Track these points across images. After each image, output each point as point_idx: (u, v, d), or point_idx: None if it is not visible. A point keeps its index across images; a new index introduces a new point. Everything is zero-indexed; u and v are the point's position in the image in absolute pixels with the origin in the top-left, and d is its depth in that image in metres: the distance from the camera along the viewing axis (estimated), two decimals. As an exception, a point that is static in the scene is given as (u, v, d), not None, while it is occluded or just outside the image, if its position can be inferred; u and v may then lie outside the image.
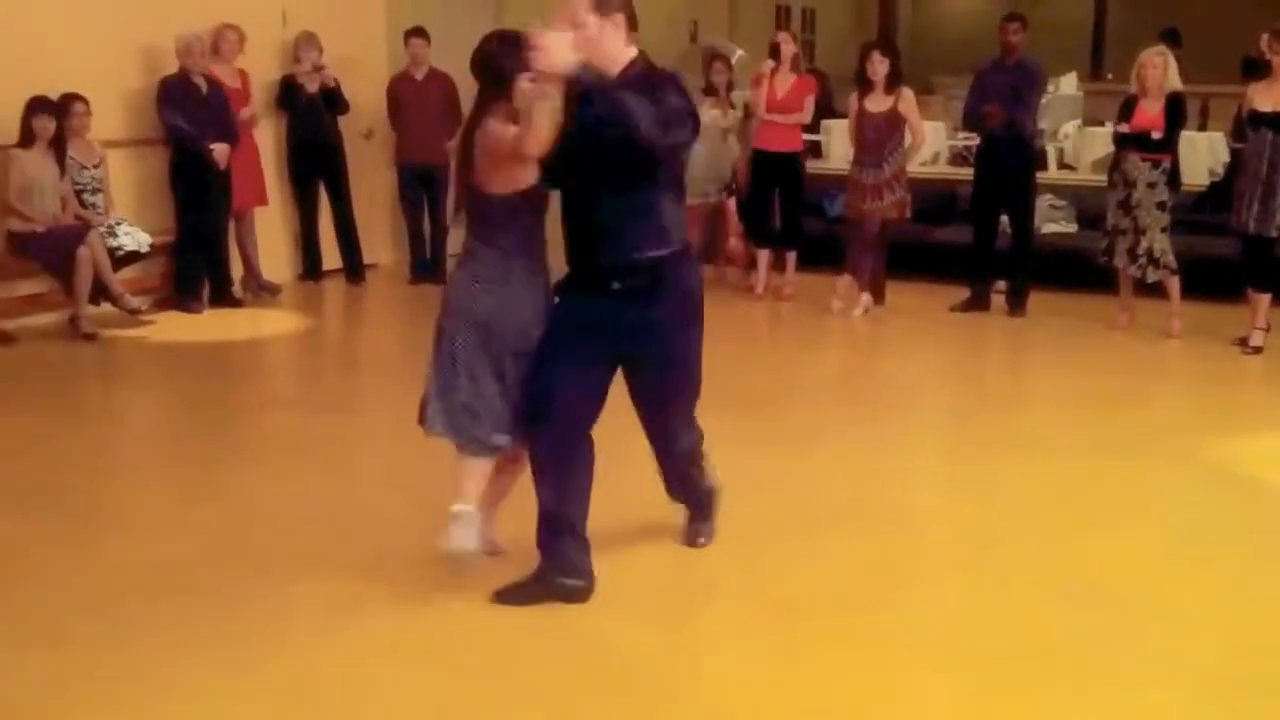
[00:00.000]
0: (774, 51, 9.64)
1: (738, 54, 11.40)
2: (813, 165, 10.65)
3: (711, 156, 10.23)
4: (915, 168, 9.66)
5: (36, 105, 8.10)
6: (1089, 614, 4.26)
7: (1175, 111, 8.41)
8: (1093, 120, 11.60)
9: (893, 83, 8.94)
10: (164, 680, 3.75)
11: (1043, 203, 10.17)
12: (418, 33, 10.22)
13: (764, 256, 9.98)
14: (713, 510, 4.78)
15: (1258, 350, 8.21)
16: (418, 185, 10.33)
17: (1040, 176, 9.65)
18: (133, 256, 8.55)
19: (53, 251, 8.16)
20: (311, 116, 9.95)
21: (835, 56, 17.27)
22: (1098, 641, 4.06)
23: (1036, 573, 4.63)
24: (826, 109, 11.85)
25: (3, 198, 8.14)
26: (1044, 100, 9.83)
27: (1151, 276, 8.59)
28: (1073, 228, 10.69)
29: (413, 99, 10.17)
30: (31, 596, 4.37)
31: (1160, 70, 8.44)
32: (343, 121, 10.18)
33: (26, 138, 8.11)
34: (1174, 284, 8.58)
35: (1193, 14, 19.11)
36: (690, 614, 4.29)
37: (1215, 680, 3.87)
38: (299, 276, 10.44)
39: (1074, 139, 11.20)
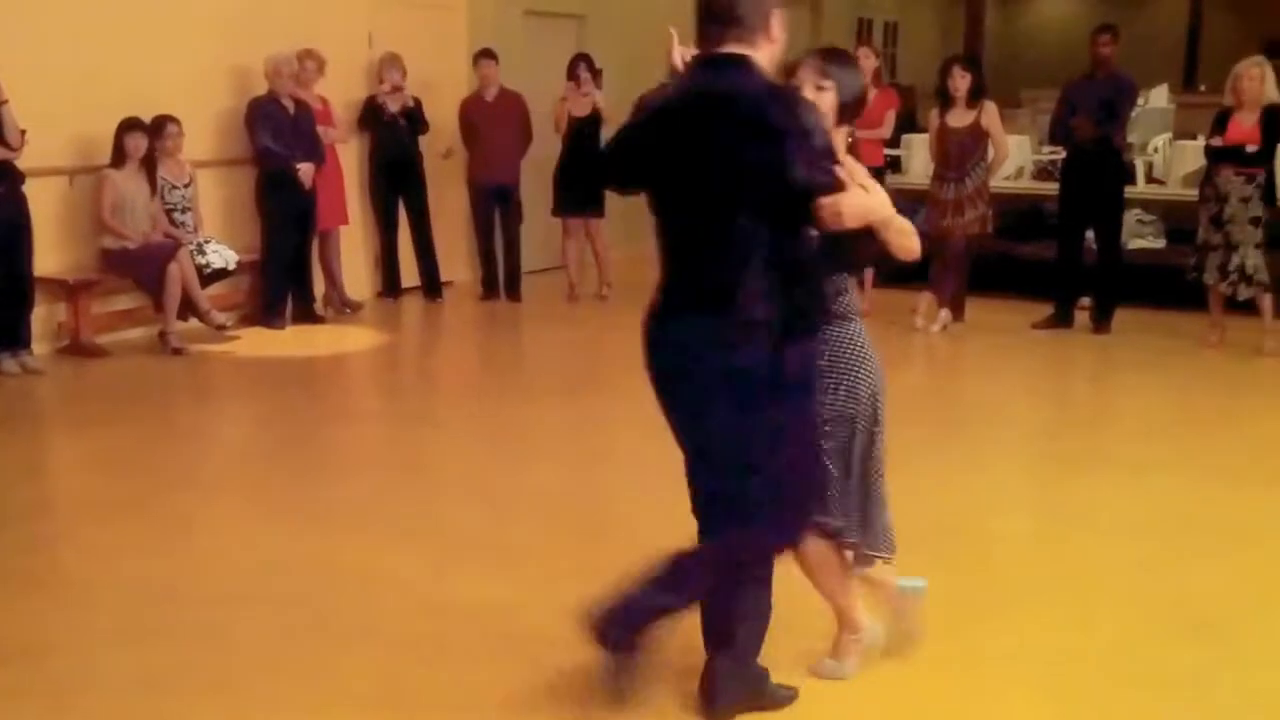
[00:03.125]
0: (853, 65, 9.55)
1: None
2: (893, 180, 10.57)
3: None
4: (999, 182, 9.55)
5: (128, 125, 8.27)
6: (1192, 647, 4.09)
7: (1272, 125, 8.24)
8: (1184, 134, 11.39)
9: (975, 97, 8.85)
10: (241, 689, 3.79)
11: (1130, 217, 10.01)
12: (486, 54, 10.33)
13: (841, 272, 9.89)
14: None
15: (1355, 370, 8.00)
16: (490, 204, 10.45)
17: (1129, 191, 9.51)
18: (220, 274, 8.71)
19: (144, 268, 8.34)
20: (393, 136, 10.10)
21: (920, 70, 17.15)
22: (1202, 678, 3.91)
23: (1132, 601, 4.49)
24: (908, 123, 11.75)
25: (97, 215, 8.32)
26: (1134, 113, 9.69)
27: (1243, 294, 8.43)
28: (1161, 243, 10.50)
29: (484, 120, 10.30)
30: (116, 600, 4.46)
31: (1258, 82, 8.28)
32: (422, 141, 10.31)
33: (119, 157, 8.28)
34: (1267, 301, 8.43)
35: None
36: (772, 635, 4.24)
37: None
38: (378, 293, 10.58)
39: (1164, 153, 11.00)
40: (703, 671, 3.59)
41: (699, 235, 3.29)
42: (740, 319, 3.22)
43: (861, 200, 3.15)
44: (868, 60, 9.52)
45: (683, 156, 3.25)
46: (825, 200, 3.12)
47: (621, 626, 3.28)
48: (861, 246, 3.31)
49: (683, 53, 3.52)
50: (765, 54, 3.29)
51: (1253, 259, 8.32)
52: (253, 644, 4.11)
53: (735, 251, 3.22)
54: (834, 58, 3.55)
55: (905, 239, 3.32)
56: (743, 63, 3.24)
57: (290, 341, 8.95)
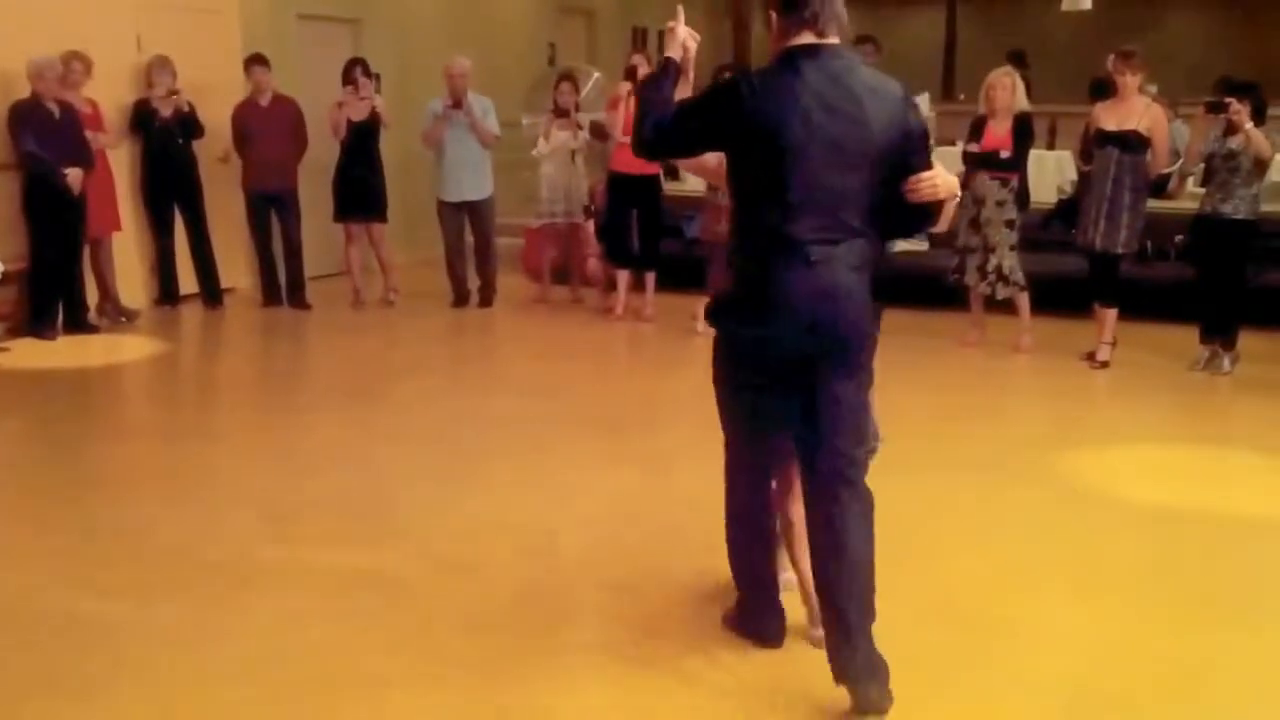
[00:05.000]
0: (630, 74, 9.72)
1: (594, 76, 11.52)
2: (670, 187, 10.75)
3: (560, 178, 10.36)
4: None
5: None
6: (940, 630, 4.30)
7: (1023, 131, 8.61)
8: (945, 140, 11.88)
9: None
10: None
11: (894, 222, 10.37)
12: (258, 60, 10.22)
13: (623, 278, 10.10)
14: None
15: (1104, 365, 8.45)
16: (266, 211, 10.33)
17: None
18: (-16, 284, 8.40)
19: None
20: (166, 141, 9.90)
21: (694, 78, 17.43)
22: (949, 658, 4.11)
23: (887, 589, 4.63)
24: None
25: None
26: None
27: (1001, 293, 8.81)
28: (923, 246, 10.90)
29: (258, 125, 10.18)
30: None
31: (1008, 91, 8.62)
32: (198, 145, 10.12)
33: None
34: (1023, 300, 8.82)
35: (1043, 36, 19.76)
36: (529, 628, 4.33)
37: (1062, 696, 3.92)
38: (155, 301, 10.32)
39: (926, 159, 11.46)
40: (848, 653, 3.71)
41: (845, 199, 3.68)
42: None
43: (950, 178, 3.70)
44: (643, 68, 9.67)
45: (837, 135, 3.55)
46: (926, 175, 3.62)
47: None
48: (937, 214, 3.78)
49: (687, 33, 3.91)
50: None
51: (1008, 260, 8.70)
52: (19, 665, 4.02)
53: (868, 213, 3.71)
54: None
55: (951, 210, 3.82)
56: (846, 54, 3.65)
57: (62, 352, 8.68)
